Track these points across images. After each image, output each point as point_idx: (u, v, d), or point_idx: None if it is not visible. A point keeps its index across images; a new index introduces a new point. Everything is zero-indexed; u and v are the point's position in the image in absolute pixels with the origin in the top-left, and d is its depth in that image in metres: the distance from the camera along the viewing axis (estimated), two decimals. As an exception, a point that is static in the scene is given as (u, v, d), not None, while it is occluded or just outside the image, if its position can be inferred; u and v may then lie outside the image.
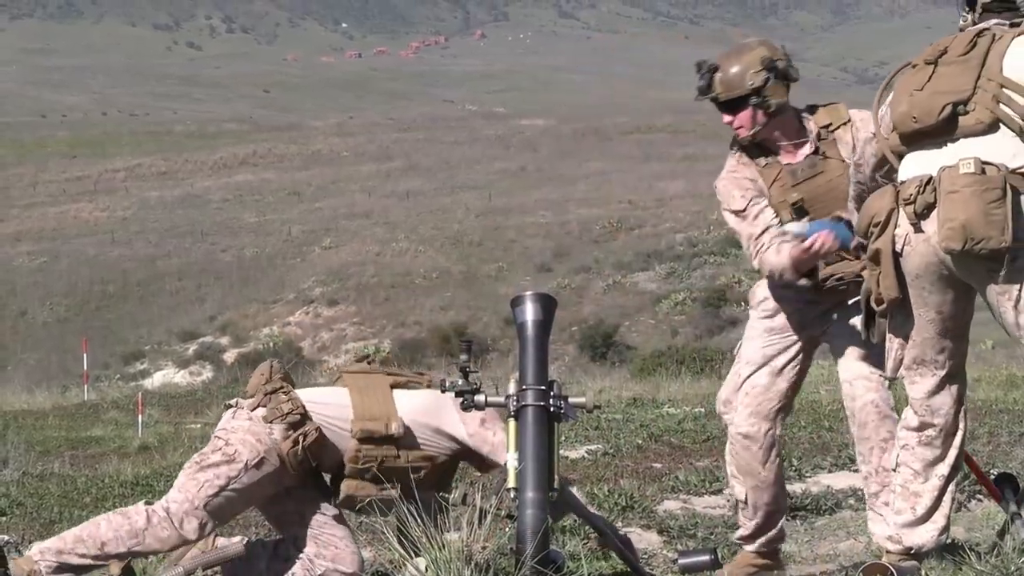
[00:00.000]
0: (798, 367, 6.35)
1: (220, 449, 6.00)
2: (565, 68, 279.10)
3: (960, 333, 5.54)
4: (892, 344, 5.61)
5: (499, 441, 5.99)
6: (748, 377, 6.37)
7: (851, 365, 6.18)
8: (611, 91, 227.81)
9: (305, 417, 6.04)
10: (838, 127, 6.24)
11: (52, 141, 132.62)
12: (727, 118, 6.21)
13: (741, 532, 6.62)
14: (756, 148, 6.28)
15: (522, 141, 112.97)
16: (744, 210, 6.22)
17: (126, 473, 11.84)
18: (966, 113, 5.24)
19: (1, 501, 10.48)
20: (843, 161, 6.16)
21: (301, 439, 5.99)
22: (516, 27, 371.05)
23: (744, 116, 6.17)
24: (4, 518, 9.88)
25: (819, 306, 6.31)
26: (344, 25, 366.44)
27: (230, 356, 53.92)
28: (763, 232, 6.16)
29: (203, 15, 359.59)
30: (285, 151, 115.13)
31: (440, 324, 55.72)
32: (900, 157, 5.51)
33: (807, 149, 6.24)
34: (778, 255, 6.08)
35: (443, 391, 5.96)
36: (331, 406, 6.09)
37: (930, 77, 5.37)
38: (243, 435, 6.02)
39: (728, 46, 6.54)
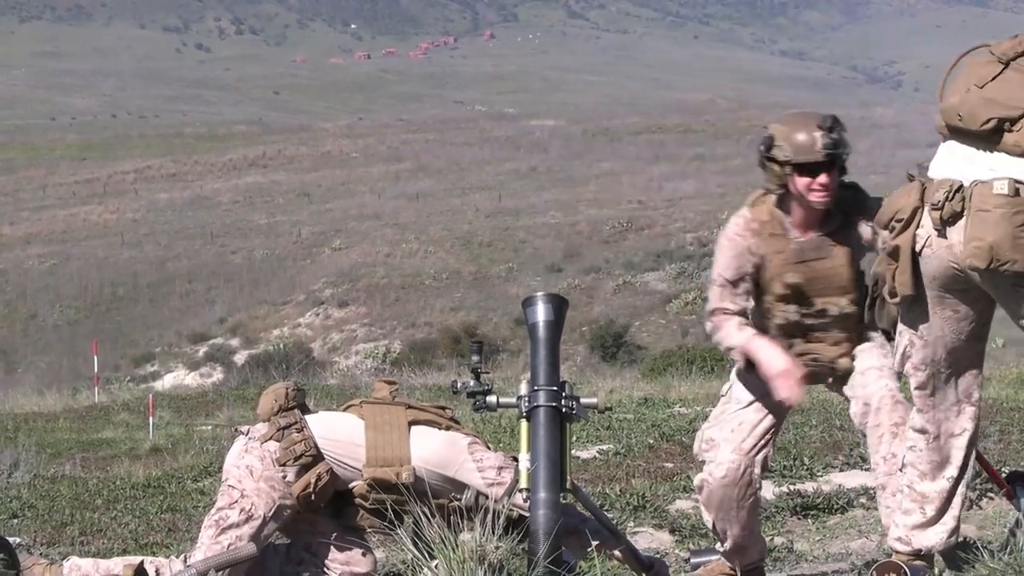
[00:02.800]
0: (783, 408, 6.25)
1: (237, 503, 5.99)
2: (574, 69, 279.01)
3: (976, 335, 5.49)
4: (902, 338, 5.59)
5: (514, 485, 5.93)
6: (736, 413, 6.27)
7: (861, 358, 6.15)
8: (621, 91, 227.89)
9: (318, 458, 6.03)
10: (860, 217, 6.06)
11: (62, 144, 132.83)
12: (824, 178, 5.93)
13: (717, 547, 6.53)
14: (772, 215, 6.12)
15: (532, 142, 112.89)
16: (726, 279, 6.11)
17: (138, 475, 11.85)
18: (1011, 131, 5.15)
19: (13, 504, 10.50)
20: (844, 257, 6.04)
21: (314, 482, 5.99)
22: (525, 28, 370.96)
23: (832, 177, 5.95)
24: (16, 520, 9.90)
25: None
26: (353, 26, 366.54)
27: (240, 358, 53.92)
28: (734, 311, 6.11)
29: (212, 17, 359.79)
30: (295, 153, 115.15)
31: (450, 325, 55.70)
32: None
33: (824, 228, 6.08)
34: (739, 333, 6.06)
35: (455, 392, 5.97)
36: (343, 444, 6.06)
37: (995, 76, 5.21)
38: (257, 483, 6.00)
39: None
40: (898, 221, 5.36)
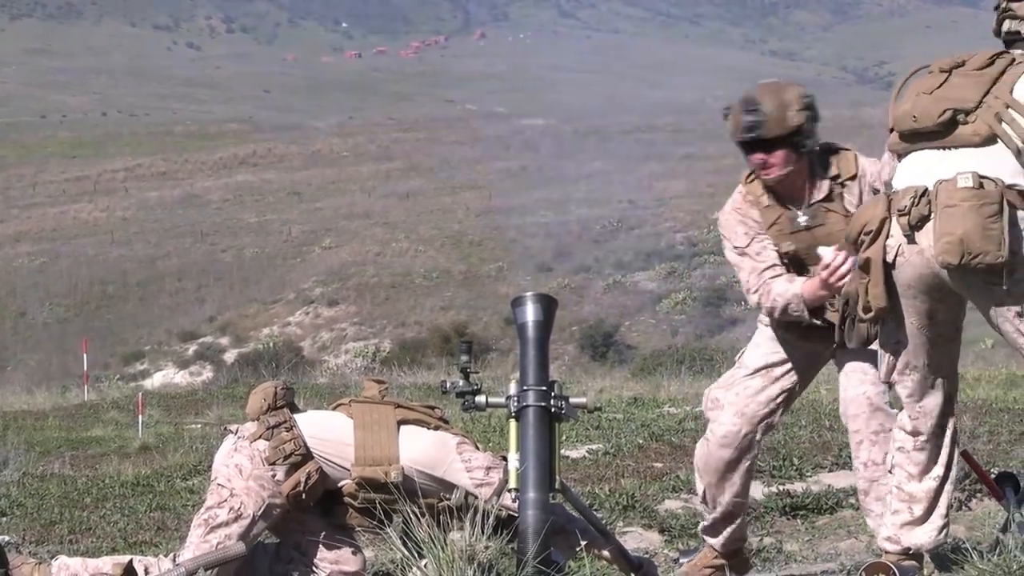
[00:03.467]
0: (795, 379, 6.31)
1: (226, 502, 5.98)
2: (565, 68, 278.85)
3: (951, 337, 5.55)
4: (884, 349, 5.62)
5: (503, 486, 5.95)
6: (742, 379, 6.35)
7: (848, 361, 6.18)
8: (611, 91, 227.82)
9: (307, 457, 6.03)
10: (847, 179, 6.15)
11: (52, 142, 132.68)
12: (760, 156, 6.04)
13: (703, 523, 6.60)
14: (765, 187, 6.20)
15: (522, 141, 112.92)
16: (747, 246, 6.18)
17: (127, 473, 11.84)
18: (966, 123, 5.24)
19: (1, 502, 10.49)
20: (846, 215, 6.06)
21: (304, 481, 5.99)
22: (516, 27, 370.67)
23: (780, 155, 6.01)
24: (4, 519, 9.88)
25: (812, 345, 6.30)
26: (344, 25, 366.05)
27: (230, 356, 53.92)
28: (769, 267, 6.14)
29: (203, 15, 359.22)
30: (285, 151, 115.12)
31: (440, 324, 55.73)
32: (899, 158, 5.52)
33: (816, 196, 6.16)
34: (791, 283, 6.07)
35: (444, 392, 5.96)
36: (332, 443, 6.06)
37: (941, 84, 5.37)
38: (246, 482, 5.99)
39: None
40: (867, 234, 5.41)
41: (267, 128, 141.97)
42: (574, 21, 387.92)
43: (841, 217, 6.08)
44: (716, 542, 6.54)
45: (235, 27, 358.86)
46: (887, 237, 5.36)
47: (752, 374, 6.32)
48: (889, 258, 5.36)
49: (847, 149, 6.24)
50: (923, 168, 5.33)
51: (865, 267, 5.43)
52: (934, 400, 5.63)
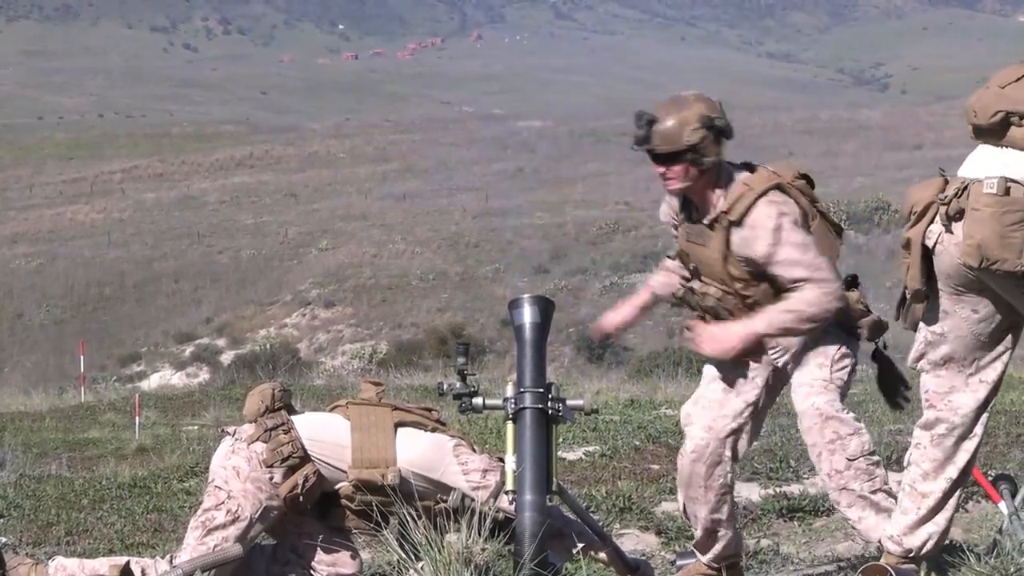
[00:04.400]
0: (756, 392, 6.27)
1: (223, 504, 5.98)
2: (562, 69, 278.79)
3: (996, 337, 5.50)
4: (920, 334, 5.59)
5: (500, 488, 5.95)
6: (703, 390, 6.35)
7: (796, 375, 6.20)
8: (608, 92, 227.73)
9: (304, 459, 6.02)
10: (730, 221, 5.98)
11: (49, 143, 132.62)
12: (660, 169, 6.01)
13: (694, 540, 6.59)
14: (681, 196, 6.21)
15: (519, 143, 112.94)
16: (664, 223, 6.38)
17: (123, 475, 11.82)
18: (1020, 126, 5.20)
19: (-1, 503, 10.48)
20: (718, 252, 6.01)
21: (301, 483, 5.99)
22: (513, 28, 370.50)
23: (677, 170, 5.96)
24: (1, 520, 9.88)
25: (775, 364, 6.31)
26: (341, 27, 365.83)
27: (227, 358, 53.88)
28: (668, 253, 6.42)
29: (199, 17, 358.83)
30: (282, 153, 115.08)
31: (437, 326, 55.67)
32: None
33: (707, 215, 6.07)
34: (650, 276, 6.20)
35: (441, 394, 5.96)
36: (329, 445, 6.06)
37: (1018, 78, 5.28)
38: (243, 484, 5.99)
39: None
40: (913, 214, 5.39)
41: (264, 129, 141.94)
42: (571, 22, 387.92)
43: (714, 253, 6.03)
44: (706, 558, 6.52)
45: (232, 28, 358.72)
46: (931, 222, 5.34)
47: (710, 383, 6.32)
48: (930, 243, 5.35)
49: (750, 187, 5.99)
50: (978, 160, 5.30)
51: (906, 246, 5.42)
52: (966, 400, 5.59)
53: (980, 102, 5.29)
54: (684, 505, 6.41)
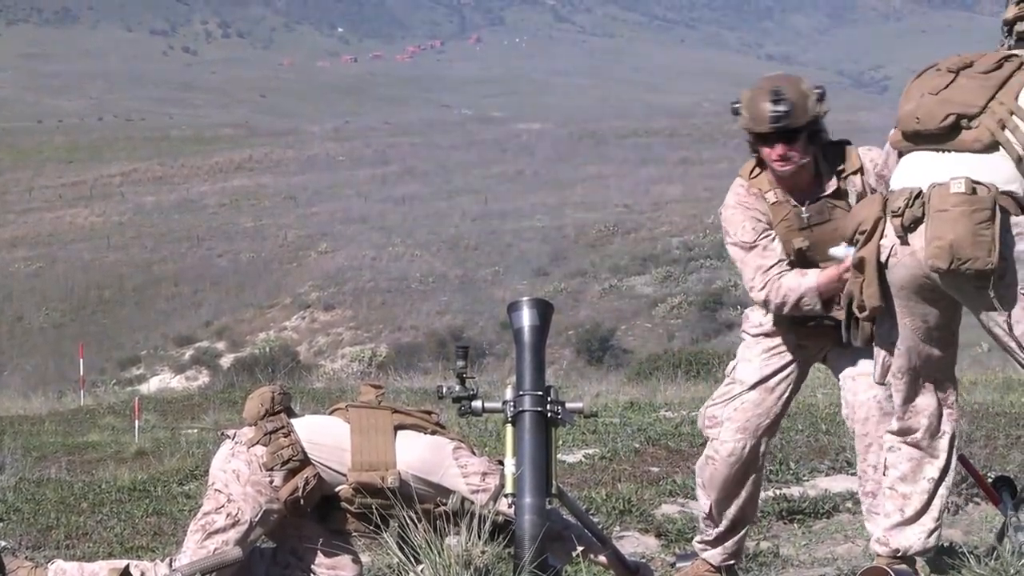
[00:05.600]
0: (791, 387, 6.31)
1: (223, 508, 5.98)
2: (561, 72, 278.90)
3: (947, 341, 5.56)
4: (879, 351, 5.63)
5: (500, 491, 5.94)
6: (739, 395, 6.32)
7: (854, 364, 6.15)
8: (607, 95, 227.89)
9: (304, 462, 6.02)
10: (851, 174, 6.08)
11: (48, 146, 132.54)
12: (779, 148, 5.94)
13: (702, 537, 6.57)
14: (772, 182, 6.13)
15: (518, 145, 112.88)
16: (754, 242, 6.10)
17: (123, 478, 11.81)
18: (968, 128, 5.23)
19: (-2, 507, 10.47)
20: (851, 209, 5.97)
21: (301, 486, 5.98)
22: (512, 31, 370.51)
23: (800, 146, 5.94)
24: (1, 523, 9.87)
25: (804, 350, 6.30)
26: (340, 30, 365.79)
27: (226, 361, 53.89)
28: (775, 264, 6.07)
29: (199, 20, 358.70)
30: (281, 156, 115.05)
31: (436, 328, 55.75)
32: (899, 156, 5.51)
33: (823, 192, 6.09)
34: (803, 276, 6.01)
35: (440, 397, 5.96)
36: (329, 448, 6.05)
37: (948, 84, 5.35)
38: (243, 488, 5.99)
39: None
40: (861, 233, 5.43)
41: (263, 133, 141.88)
42: (570, 25, 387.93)
43: (847, 212, 5.99)
44: (713, 555, 6.52)
45: (231, 32, 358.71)
46: (881, 237, 5.37)
47: (749, 390, 6.30)
48: (883, 258, 5.37)
49: (847, 143, 6.18)
50: (920, 169, 5.33)
51: (860, 266, 5.44)
52: (926, 401, 5.64)
53: (922, 109, 5.34)
54: (712, 506, 6.40)
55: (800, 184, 6.10)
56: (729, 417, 6.29)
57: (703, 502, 6.44)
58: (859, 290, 5.45)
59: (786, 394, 6.31)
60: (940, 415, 5.65)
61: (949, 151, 5.27)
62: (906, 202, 5.25)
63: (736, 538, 6.49)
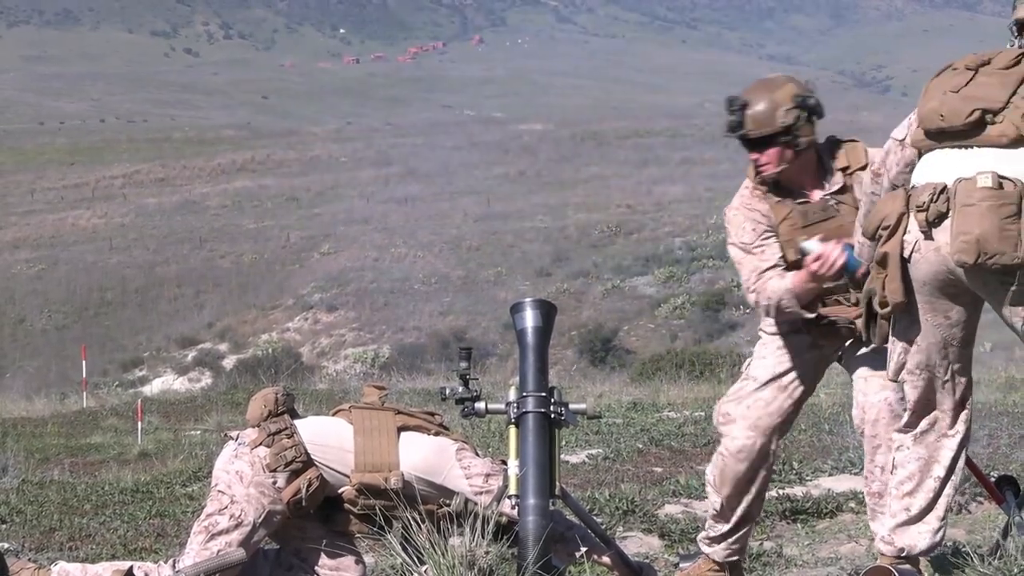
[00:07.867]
0: (805, 386, 6.33)
1: (227, 509, 5.97)
2: (563, 73, 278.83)
3: (967, 339, 5.54)
4: (895, 347, 5.61)
5: (503, 492, 5.94)
6: (752, 392, 6.35)
7: (866, 365, 6.16)
8: (609, 95, 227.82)
9: (308, 463, 6.02)
10: (856, 170, 6.13)
11: (50, 148, 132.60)
12: (754, 155, 6.09)
13: (709, 533, 6.58)
14: (772, 183, 6.18)
15: (520, 146, 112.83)
16: (753, 244, 6.16)
17: (126, 480, 11.84)
18: (993, 123, 5.23)
19: (1, 509, 10.48)
20: (857, 206, 6.03)
21: (304, 487, 5.98)
22: (514, 32, 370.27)
23: (772, 154, 6.04)
24: (4, 525, 9.87)
25: (820, 350, 6.30)
26: (342, 31, 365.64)
27: (229, 362, 53.86)
28: (771, 267, 6.12)
29: (200, 21, 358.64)
30: (283, 157, 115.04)
31: (439, 329, 55.73)
32: (920, 155, 5.50)
33: (827, 189, 6.16)
34: (781, 280, 6.06)
35: (443, 398, 5.97)
36: (332, 449, 6.05)
37: (968, 82, 5.34)
38: (247, 489, 5.99)
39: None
40: (884, 229, 5.40)
41: (265, 134, 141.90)
42: (572, 26, 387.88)
43: (853, 209, 6.07)
44: (717, 551, 6.53)
45: (233, 33, 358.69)
46: (905, 232, 5.36)
47: (762, 387, 6.31)
48: (906, 253, 5.36)
49: (854, 140, 6.25)
50: (944, 165, 5.31)
51: (883, 262, 5.42)
52: (942, 399, 5.62)
53: (946, 106, 5.33)
54: (722, 503, 6.42)
55: (800, 183, 6.16)
56: (742, 415, 6.31)
57: (713, 499, 6.46)
58: (881, 286, 5.45)
59: (799, 393, 6.31)
60: (954, 414, 5.64)
61: (974, 147, 5.26)
62: (931, 197, 5.24)
63: (741, 534, 6.50)
